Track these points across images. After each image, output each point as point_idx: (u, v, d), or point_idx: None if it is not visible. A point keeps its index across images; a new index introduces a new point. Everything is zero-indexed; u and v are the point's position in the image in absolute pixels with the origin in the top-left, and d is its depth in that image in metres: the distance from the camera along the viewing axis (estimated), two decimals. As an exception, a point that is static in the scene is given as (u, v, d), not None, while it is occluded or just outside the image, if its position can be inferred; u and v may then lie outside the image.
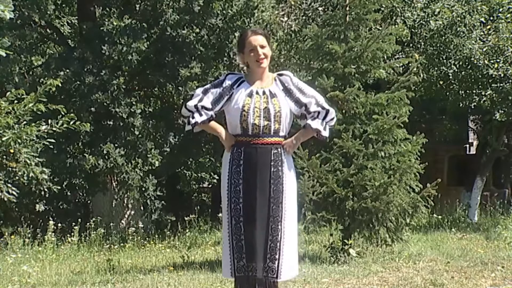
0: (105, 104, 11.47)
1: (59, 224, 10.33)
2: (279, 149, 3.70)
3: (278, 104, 3.69)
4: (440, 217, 10.76)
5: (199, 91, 3.80)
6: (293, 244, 3.71)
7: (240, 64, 4.03)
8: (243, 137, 3.69)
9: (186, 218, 11.60)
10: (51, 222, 9.57)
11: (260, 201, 3.62)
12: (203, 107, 3.72)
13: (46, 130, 5.98)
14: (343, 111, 7.06)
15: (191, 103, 3.75)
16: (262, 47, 3.72)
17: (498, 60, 10.75)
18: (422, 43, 11.31)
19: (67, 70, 11.35)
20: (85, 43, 12.12)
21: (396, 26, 9.84)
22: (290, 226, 3.69)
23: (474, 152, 17.72)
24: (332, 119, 3.82)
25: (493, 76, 10.79)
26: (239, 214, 3.63)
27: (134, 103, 12.12)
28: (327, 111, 3.78)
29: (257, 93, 3.71)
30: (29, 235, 9.64)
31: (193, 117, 3.74)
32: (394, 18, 11.03)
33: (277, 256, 3.62)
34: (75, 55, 11.84)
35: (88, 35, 12.20)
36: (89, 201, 13.66)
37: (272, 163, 3.67)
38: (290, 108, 3.74)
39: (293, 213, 3.74)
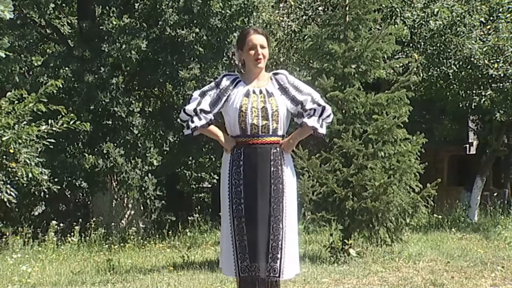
0: (104, 102, 11.45)
1: (60, 224, 10.33)
2: (278, 149, 3.70)
3: (275, 103, 3.69)
4: (440, 217, 10.75)
5: (196, 94, 3.78)
6: (294, 243, 3.72)
7: (236, 62, 4.00)
8: (242, 137, 3.68)
9: (188, 218, 11.59)
10: (53, 222, 9.58)
11: (261, 201, 3.62)
12: (202, 110, 3.70)
13: (46, 130, 5.98)
14: (343, 111, 7.06)
15: (189, 107, 3.72)
16: (262, 47, 3.72)
17: (498, 60, 10.73)
18: (422, 43, 11.29)
19: (66, 68, 11.34)
20: (84, 42, 12.12)
21: (396, 26, 9.83)
22: (290, 225, 3.69)
23: (474, 152, 17.69)
24: (329, 115, 3.80)
25: (493, 76, 10.78)
26: (241, 215, 3.62)
27: (133, 102, 12.11)
28: (323, 108, 3.76)
29: (254, 92, 3.70)
30: (29, 235, 9.65)
31: (192, 121, 3.72)
32: (394, 18, 11.00)
33: (279, 256, 3.62)
34: (75, 53, 11.83)
35: (87, 34, 12.20)
36: (89, 201, 13.65)
37: (272, 163, 3.67)
38: (286, 106, 3.73)
39: (293, 211, 3.74)
